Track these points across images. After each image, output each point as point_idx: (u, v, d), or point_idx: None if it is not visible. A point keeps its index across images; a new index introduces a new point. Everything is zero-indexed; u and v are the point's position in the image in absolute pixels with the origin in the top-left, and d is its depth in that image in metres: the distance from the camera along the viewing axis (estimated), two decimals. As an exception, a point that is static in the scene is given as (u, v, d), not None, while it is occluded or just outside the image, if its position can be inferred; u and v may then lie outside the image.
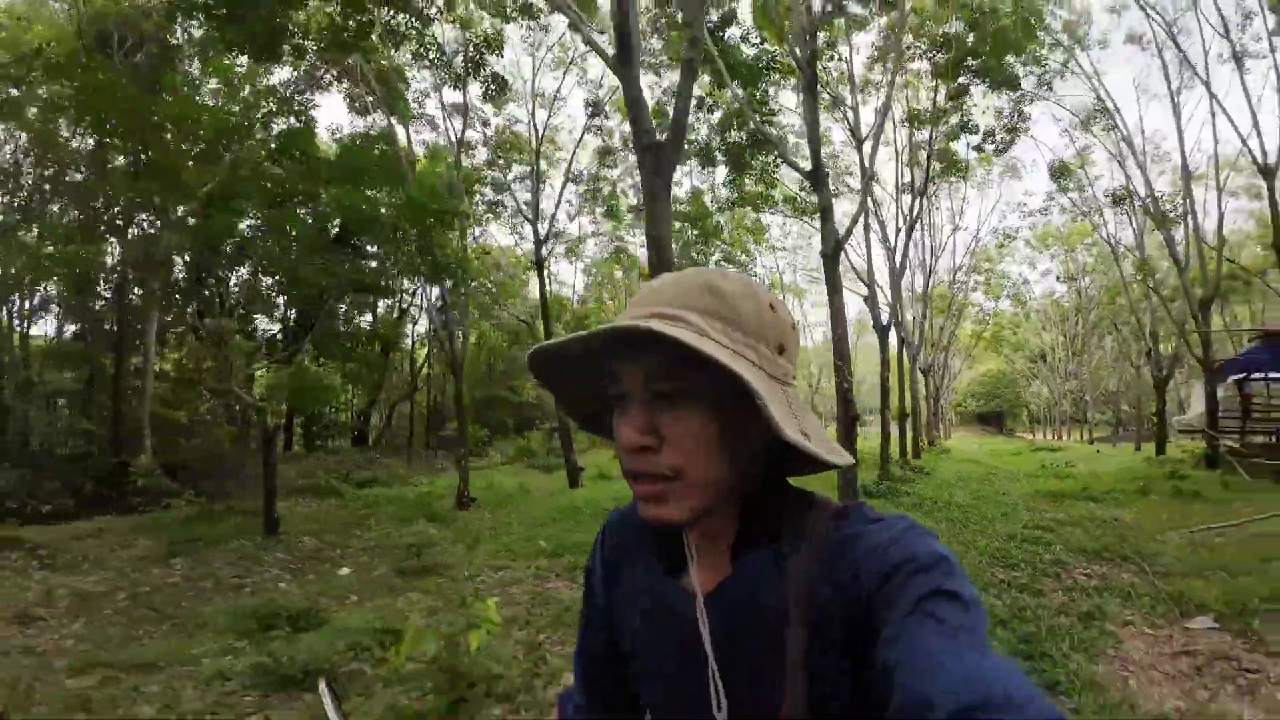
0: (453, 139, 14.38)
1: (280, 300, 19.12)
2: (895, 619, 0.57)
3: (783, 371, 0.68)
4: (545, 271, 15.57)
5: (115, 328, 14.84)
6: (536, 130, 15.99)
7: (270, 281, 17.48)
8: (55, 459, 13.38)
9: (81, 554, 7.77)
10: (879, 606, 0.60)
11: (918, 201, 15.71)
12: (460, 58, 12.86)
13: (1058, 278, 33.22)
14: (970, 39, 13.43)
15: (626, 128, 14.49)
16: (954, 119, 14.97)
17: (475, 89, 13.70)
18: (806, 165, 9.88)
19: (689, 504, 0.66)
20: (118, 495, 12.07)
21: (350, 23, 9.27)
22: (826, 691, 0.64)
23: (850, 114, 13.66)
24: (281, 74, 12.93)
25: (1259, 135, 13.07)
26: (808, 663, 0.65)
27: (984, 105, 15.80)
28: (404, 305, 24.17)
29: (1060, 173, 18.80)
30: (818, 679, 0.64)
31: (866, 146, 11.70)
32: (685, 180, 19.92)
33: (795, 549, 0.69)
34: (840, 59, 14.18)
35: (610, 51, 6.65)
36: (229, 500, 11.78)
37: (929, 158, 15.09)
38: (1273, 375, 15.47)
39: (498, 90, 13.52)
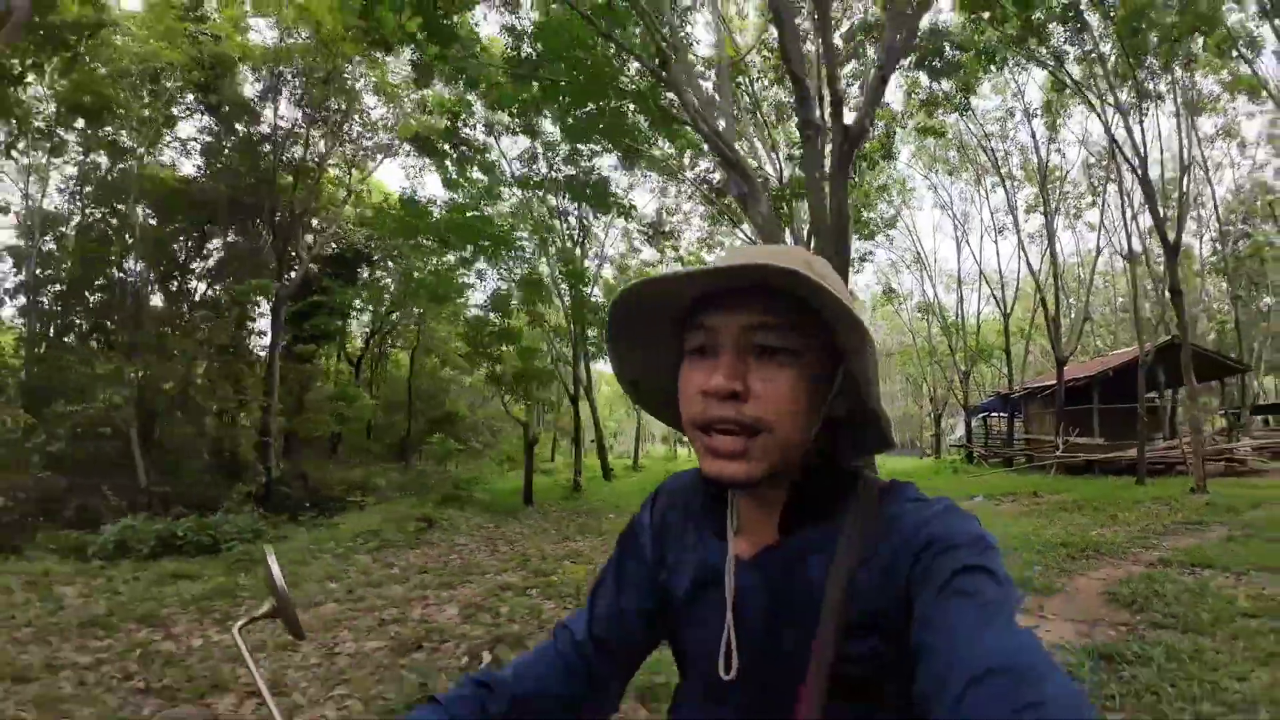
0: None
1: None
2: (925, 596, 0.59)
3: None
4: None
5: (267, 352, 18.64)
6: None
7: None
8: (228, 466, 16.13)
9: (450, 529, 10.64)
10: (912, 585, 0.62)
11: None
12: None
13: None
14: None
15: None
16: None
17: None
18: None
19: (762, 463, 0.66)
20: (265, 499, 13.56)
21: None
22: (856, 663, 0.65)
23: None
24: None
25: (1003, 288, 24.22)
26: (842, 638, 0.65)
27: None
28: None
29: (888, 292, 30.15)
30: (850, 651, 0.65)
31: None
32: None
33: (840, 525, 0.70)
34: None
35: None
36: (388, 500, 14.60)
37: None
38: (1002, 414, 26.85)
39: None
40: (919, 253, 27.69)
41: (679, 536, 0.83)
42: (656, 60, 7.01)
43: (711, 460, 0.67)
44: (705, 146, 10.20)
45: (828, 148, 6.23)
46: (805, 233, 13.98)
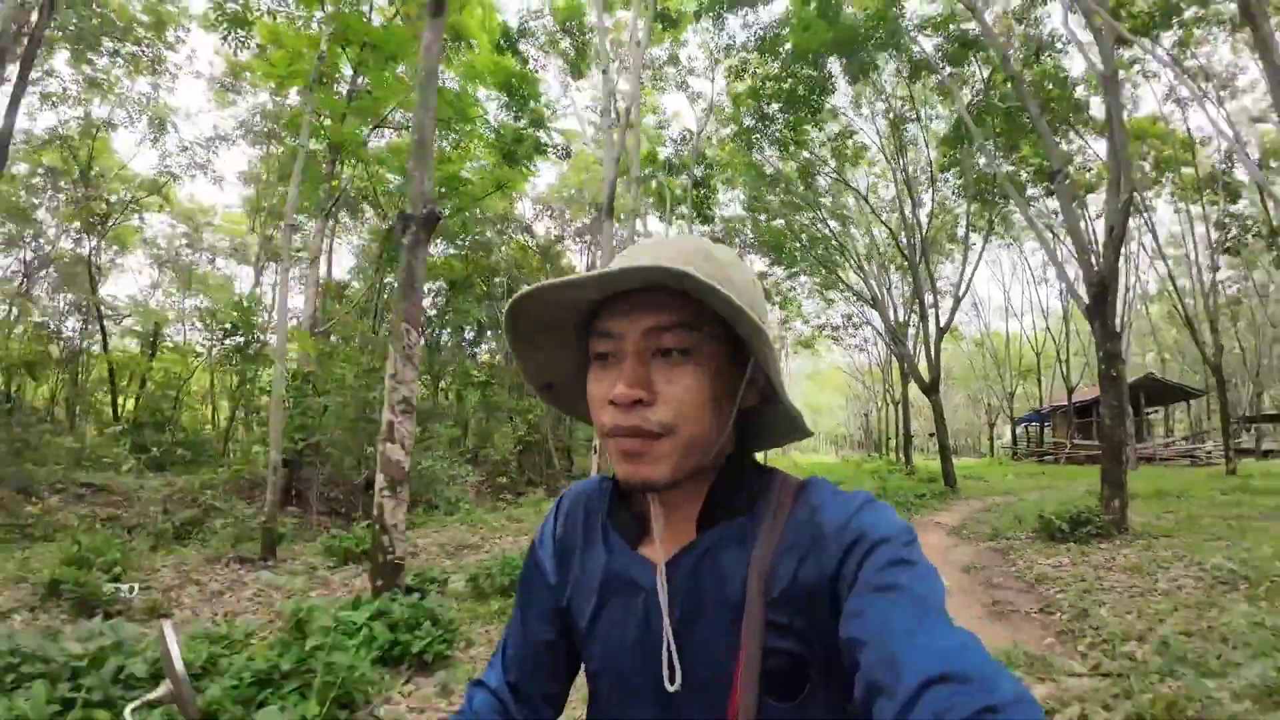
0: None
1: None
2: (856, 592, 0.59)
3: None
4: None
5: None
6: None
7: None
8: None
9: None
10: (840, 580, 0.62)
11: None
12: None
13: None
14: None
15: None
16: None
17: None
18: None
19: (671, 463, 0.65)
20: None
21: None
22: (783, 662, 0.64)
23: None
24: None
25: (1034, 327, 33.34)
26: (765, 634, 0.64)
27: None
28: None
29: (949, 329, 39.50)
30: (775, 649, 0.64)
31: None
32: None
33: (758, 521, 0.70)
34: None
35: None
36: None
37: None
38: (1037, 424, 35.87)
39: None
40: (974, 301, 36.98)
41: (582, 550, 0.80)
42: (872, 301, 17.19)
43: (623, 463, 0.66)
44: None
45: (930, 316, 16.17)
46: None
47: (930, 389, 14.95)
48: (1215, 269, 17.95)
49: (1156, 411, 32.52)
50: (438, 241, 23.36)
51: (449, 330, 25.09)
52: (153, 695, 0.79)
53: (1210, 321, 18.30)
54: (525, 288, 0.64)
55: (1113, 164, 9.67)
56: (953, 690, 0.47)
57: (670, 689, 0.68)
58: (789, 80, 12.88)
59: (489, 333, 25.22)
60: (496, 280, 24.69)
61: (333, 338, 15.34)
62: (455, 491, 13.99)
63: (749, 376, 0.69)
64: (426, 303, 20.83)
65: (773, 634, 0.64)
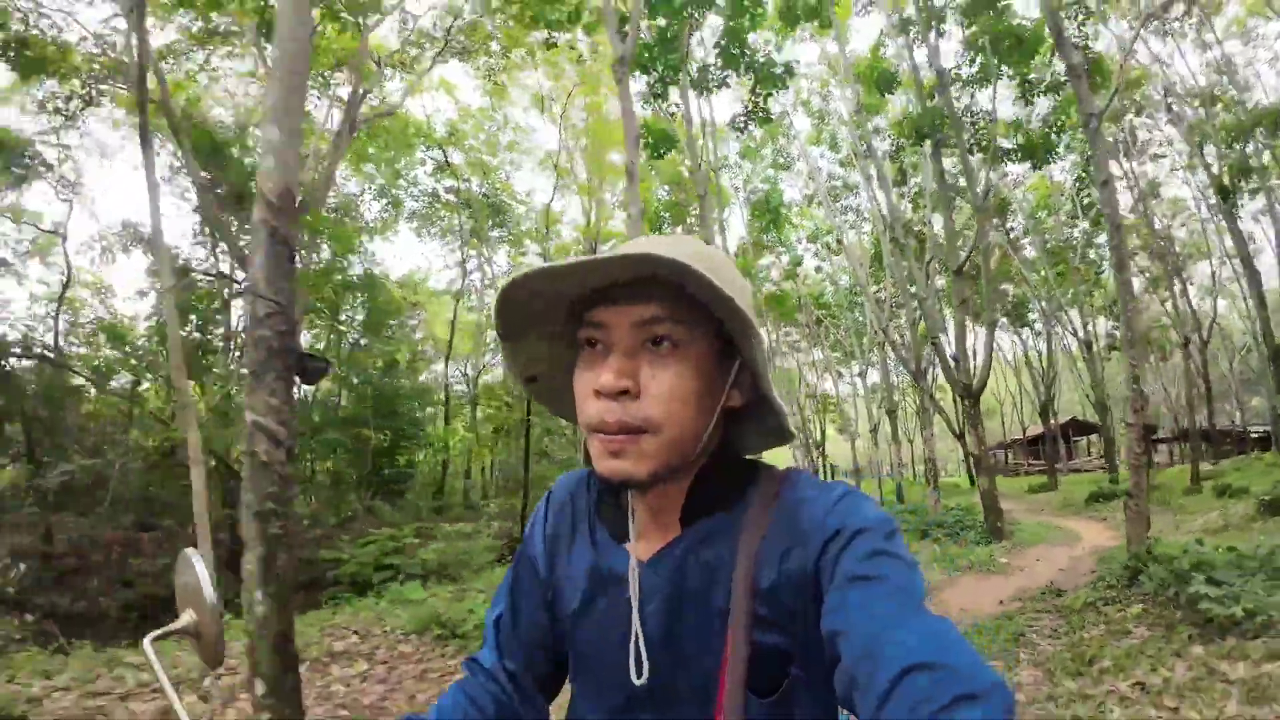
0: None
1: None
2: (836, 584, 0.59)
3: None
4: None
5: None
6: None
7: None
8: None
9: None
10: (821, 572, 0.62)
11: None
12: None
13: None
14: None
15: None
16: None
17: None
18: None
19: (654, 460, 0.64)
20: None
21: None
22: (768, 657, 0.64)
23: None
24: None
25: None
26: (751, 627, 0.64)
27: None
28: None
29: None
30: (761, 644, 0.64)
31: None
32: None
33: (742, 515, 0.70)
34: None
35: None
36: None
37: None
38: (1001, 450, 44.15)
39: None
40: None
41: (569, 545, 0.80)
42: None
43: (605, 460, 0.65)
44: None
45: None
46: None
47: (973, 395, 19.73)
48: (1105, 359, 26.12)
49: (1082, 439, 43.63)
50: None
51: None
52: (175, 625, 0.68)
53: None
54: (514, 275, 0.63)
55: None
56: (930, 679, 0.47)
57: (637, 683, 0.69)
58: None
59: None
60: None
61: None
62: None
63: (734, 375, 0.69)
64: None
65: (758, 630, 0.64)
